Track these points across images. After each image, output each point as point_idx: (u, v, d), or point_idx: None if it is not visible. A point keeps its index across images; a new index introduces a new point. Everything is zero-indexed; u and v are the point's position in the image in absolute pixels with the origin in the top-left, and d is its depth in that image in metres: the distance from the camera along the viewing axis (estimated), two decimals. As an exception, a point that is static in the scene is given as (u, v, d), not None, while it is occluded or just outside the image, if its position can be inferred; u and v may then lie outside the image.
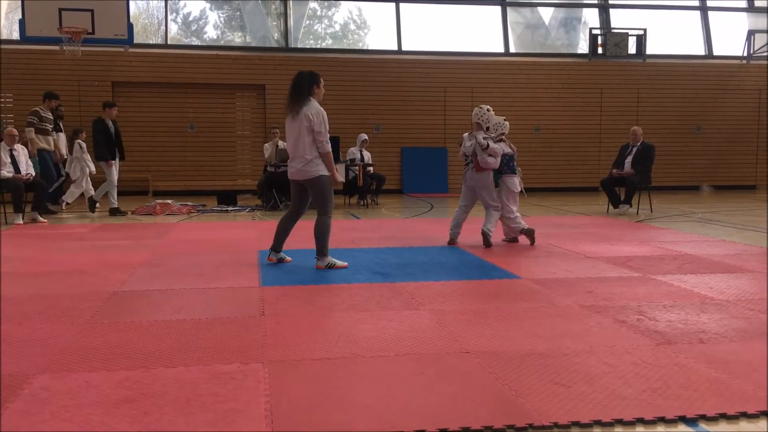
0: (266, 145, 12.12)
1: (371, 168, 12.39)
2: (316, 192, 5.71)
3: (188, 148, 14.67)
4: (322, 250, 5.76)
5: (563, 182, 15.74)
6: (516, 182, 7.28)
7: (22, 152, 9.39)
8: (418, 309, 4.34)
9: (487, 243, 6.95)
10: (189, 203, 11.33)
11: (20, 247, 6.96)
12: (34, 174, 9.47)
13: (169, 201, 11.07)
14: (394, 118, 15.09)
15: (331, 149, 5.72)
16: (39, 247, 7.02)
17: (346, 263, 5.82)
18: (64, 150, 11.19)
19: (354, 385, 2.97)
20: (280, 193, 11.32)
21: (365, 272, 5.58)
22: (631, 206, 10.59)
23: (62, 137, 11.32)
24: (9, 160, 9.10)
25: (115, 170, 10.20)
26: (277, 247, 6.01)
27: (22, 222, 8.96)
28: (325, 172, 5.66)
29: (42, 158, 10.44)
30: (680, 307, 4.39)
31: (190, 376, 3.06)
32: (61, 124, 11.49)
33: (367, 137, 12.61)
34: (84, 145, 10.77)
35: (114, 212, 10.23)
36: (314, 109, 5.60)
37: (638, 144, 10.63)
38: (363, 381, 3.03)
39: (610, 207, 10.74)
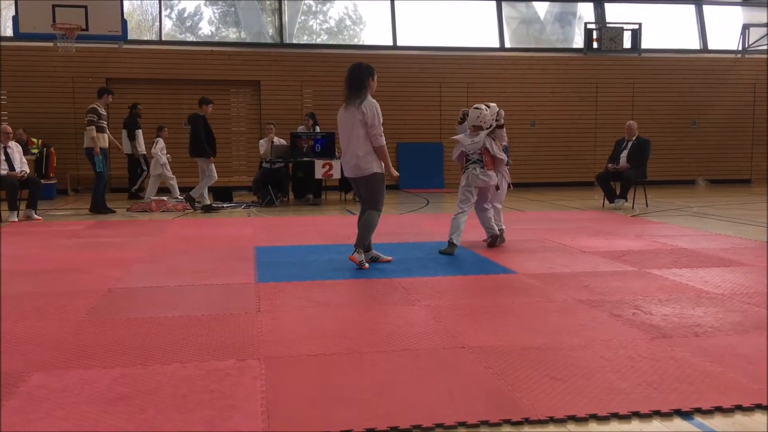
0: (261, 141, 12.10)
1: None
2: (369, 188, 5.64)
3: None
4: (362, 242, 5.62)
5: (559, 177, 15.75)
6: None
7: (16, 149, 9.36)
8: (414, 304, 4.34)
9: (502, 240, 6.80)
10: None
11: (15, 245, 6.93)
12: (28, 171, 9.45)
13: (165, 198, 11.05)
14: (389, 114, 14.98)
15: (385, 143, 5.55)
16: (34, 244, 7.00)
17: (367, 265, 5.59)
18: (143, 147, 12.25)
19: (350, 381, 2.97)
20: (275, 189, 11.30)
21: (361, 268, 5.56)
22: (626, 201, 10.60)
23: (140, 134, 12.30)
24: (3, 157, 9.07)
25: (214, 167, 10.39)
26: (367, 247, 5.72)
27: (17, 219, 8.93)
28: (379, 169, 5.57)
29: (105, 156, 10.19)
30: (676, 301, 4.40)
31: (186, 372, 3.05)
32: (139, 122, 12.37)
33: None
34: (162, 141, 11.81)
35: (208, 209, 10.35)
36: (369, 101, 5.49)
37: (633, 138, 10.64)
38: (359, 377, 3.03)
39: (606, 202, 10.75)
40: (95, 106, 10.10)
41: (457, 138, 6.79)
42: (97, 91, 10.59)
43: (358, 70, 5.56)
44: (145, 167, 12.51)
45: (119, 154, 12.76)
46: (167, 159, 12.01)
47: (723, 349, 3.37)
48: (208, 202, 10.47)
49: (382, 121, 5.53)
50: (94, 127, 9.90)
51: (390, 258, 5.83)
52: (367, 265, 5.59)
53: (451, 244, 6.35)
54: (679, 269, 5.45)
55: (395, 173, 5.80)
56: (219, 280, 5.14)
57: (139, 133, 12.44)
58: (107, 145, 10.29)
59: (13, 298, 4.52)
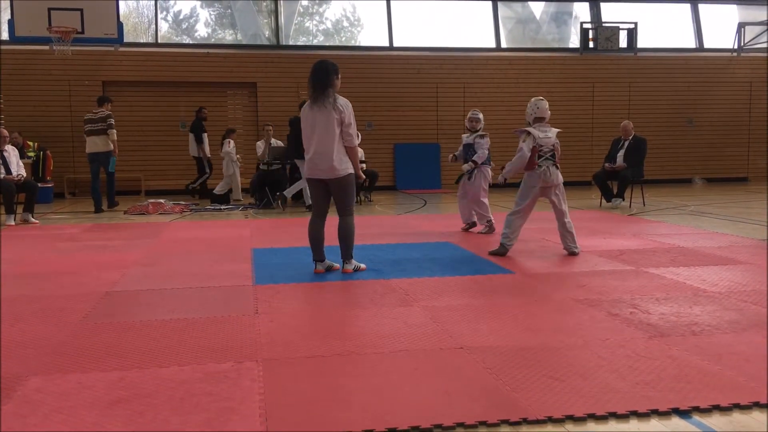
0: (258, 143, 12.10)
1: (364, 164, 12.37)
2: (343, 191, 5.33)
3: (180, 146, 14.61)
4: (349, 252, 5.43)
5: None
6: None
7: (12, 153, 9.34)
8: (411, 305, 4.34)
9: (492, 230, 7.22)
10: (182, 202, 11.29)
11: (12, 249, 6.92)
12: (24, 175, 9.43)
13: (162, 200, 11.04)
14: (386, 115, 15.08)
15: (357, 144, 5.36)
16: (31, 248, 6.99)
17: (364, 265, 5.57)
18: (208, 149, 12.74)
19: (348, 383, 2.96)
20: (272, 191, 11.29)
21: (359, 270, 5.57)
22: (623, 200, 10.62)
23: (206, 138, 12.72)
24: (0, 161, 9.05)
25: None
26: (319, 256, 5.48)
27: (14, 223, 8.91)
28: (352, 170, 5.30)
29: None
30: (673, 299, 4.40)
31: (184, 375, 3.05)
32: (204, 125, 12.78)
33: (359, 134, 12.57)
34: (233, 142, 12.38)
35: (310, 208, 10.42)
36: (343, 101, 5.21)
37: (630, 138, 10.65)
38: (357, 378, 3.03)
39: (603, 201, 10.76)
40: (110, 112, 10.80)
41: (529, 129, 6.13)
42: (105, 99, 11.08)
43: (325, 67, 5.22)
44: (208, 170, 13.00)
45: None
46: (237, 160, 12.56)
47: (720, 348, 3.37)
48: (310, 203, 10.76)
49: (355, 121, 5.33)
50: (115, 130, 10.74)
51: (338, 266, 5.52)
52: (363, 266, 5.56)
53: (503, 249, 6.15)
54: (677, 268, 5.46)
55: (362, 176, 5.60)
56: (216, 282, 5.14)
57: (205, 136, 12.82)
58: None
59: (11, 302, 4.51)
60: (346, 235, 5.40)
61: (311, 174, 5.37)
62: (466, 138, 7.94)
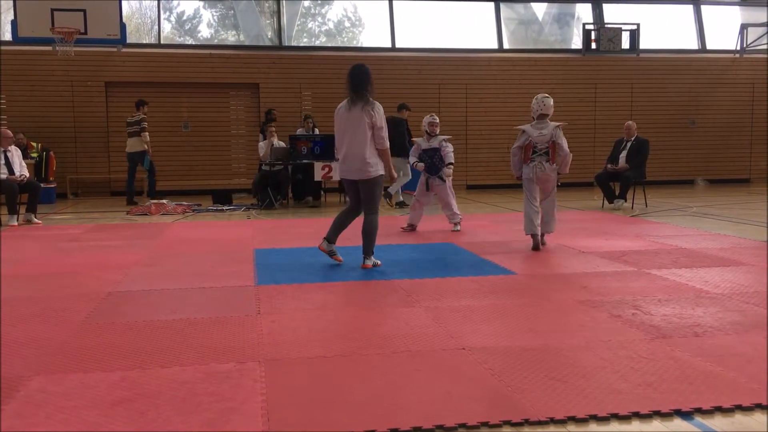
0: (261, 143, 12.09)
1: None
2: (371, 191, 5.58)
3: (183, 147, 14.63)
4: (370, 249, 5.64)
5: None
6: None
7: (16, 154, 9.34)
8: (413, 306, 4.34)
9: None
10: (184, 203, 11.30)
11: (15, 249, 6.93)
12: (27, 176, 9.44)
13: (164, 201, 11.04)
14: (388, 115, 15.05)
15: (388, 146, 5.57)
16: (34, 248, 7.00)
17: (379, 261, 5.72)
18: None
19: (350, 383, 2.97)
20: (275, 191, 11.31)
21: (361, 270, 5.58)
22: (626, 201, 10.60)
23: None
24: (3, 161, 9.06)
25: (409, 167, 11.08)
26: (331, 237, 5.74)
27: (17, 224, 8.92)
28: (383, 171, 5.56)
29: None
30: (675, 301, 4.40)
31: (186, 375, 3.05)
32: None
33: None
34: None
35: (401, 204, 11.09)
36: (375, 104, 5.49)
37: (632, 139, 10.64)
38: (359, 378, 3.03)
39: (605, 202, 10.76)
40: (144, 115, 12.05)
41: (523, 127, 6.67)
42: (140, 102, 12.24)
43: (363, 71, 5.54)
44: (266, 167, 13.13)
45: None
46: None
47: (723, 349, 3.37)
48: (401, 199, 11.22)
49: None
50: (147, 132, 11.95)
51: (341, 259, 5.77)
52: (379, 262, 5.69)
53: (534, 236, 6.56)
54: (679, 269, 5.45)
55: (395, 175, 5.82)
56: (219, 282, 5.14)
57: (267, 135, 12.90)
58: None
59: (13, 302, 4.52)
60: (369, 231, 5.62)
61: (343, 175, 5.67)
62: (424, 142, 8.16)
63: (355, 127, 5.46)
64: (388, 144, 5.52)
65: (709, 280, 5.01)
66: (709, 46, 16.74)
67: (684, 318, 3.97)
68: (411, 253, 6.44)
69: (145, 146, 11.91)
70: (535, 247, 6.52)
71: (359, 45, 16.39)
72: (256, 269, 5.65)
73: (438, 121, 8.26)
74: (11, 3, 12.61)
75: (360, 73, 5.52)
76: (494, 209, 10.76)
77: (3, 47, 13.79)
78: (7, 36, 13.85)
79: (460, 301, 4.48)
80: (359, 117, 5.43)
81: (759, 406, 2.68)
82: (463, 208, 10.95)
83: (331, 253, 5.76)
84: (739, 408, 2.67)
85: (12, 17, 12.59)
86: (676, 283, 4.95)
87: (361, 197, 5.67)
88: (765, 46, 16.17)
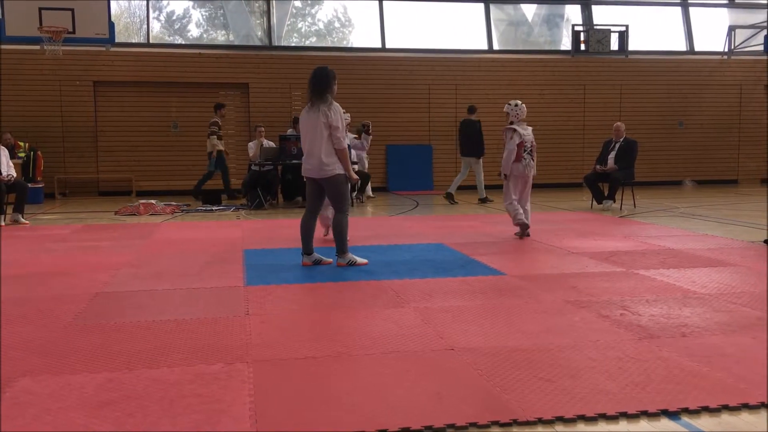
0: (250, 143, 12.06)
1: (356, 166, 12.37)
2: (333, 190, 5.70)
3: (171, 147, 14.57)
4: (342, 247, 5.75)
5: (547, 178, 15.75)
6: None
7: (3, 153, 9.28)
8: (403, 307, 4.34)
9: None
10: (173, 203, 11.26)
11: (2, 249, 6.88)
12: (15, 175, 9.37)
13: (153, 201, 11.00)
14: (378, 116, 15.05)
15: (346, 146, 5.67)
16: (21, 248, 6.95)
17: (366, 260, 5.82)
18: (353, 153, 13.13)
19: (339, 384, 2.96)
20: (264, 191, 11.28)
21: (350, 270, 5.58)
22: (614, 202, 10.65)
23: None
24: (-11, 161, 9.00)
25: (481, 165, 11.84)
26: (308, 249, 5.85)
27: (3, 224, 8.86)
28: (341, 171, 5.62)
29: (220, 158, 12.81)
30: (663, 301, 4.42)
31: (174, 377, 3.04)
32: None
33: (370, 137, 12.60)
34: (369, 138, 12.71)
35: (484, 200, 11.79)
36: (333, 105, 5.57)
37: (621, 140, 10.69)
38: (348, 379, 3.02)
39: (594, 203, 10.80)
40: (216, 119, 12.72)
41: (514, 128, 7.17)
42: (217, 106, 12.92)
43: (323, 74, 5.61)
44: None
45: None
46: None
47: (710, 349, 3.39)
48: (484, 196, 11.88)
49: (345, 124, 5.66)
50: (215, 135, 12.58)
51: (330, 260, 5.87)
52: (364, 261, 5.79)
53: (524, 225, 7.22)
54: (667, 270, 5.48)
55: (355, 177, 5.87)
56: (207, 283, 5.12)
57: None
58: (224, 148, 12.94)
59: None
60: (339, 230, 5.75)
61: (304, 172, 5.80)
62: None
63: (314, 127, 5.55)
64: (344, 144, 5.60)
65: (696, 281, 5.04)
66: (697, 48, 16.85)
67: (672, 318, 3.99)
68: (401, 253, 6.44)
69: (212, 149, 12.65)
70: (526, 233, 7.22)
71: (349, 45, 16.38)
72: (246, 270, 5.64)
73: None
74: (-1, 2, 12.52)
75: (321, 75, 5.60)
76: (485, 210, 10.78)
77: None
78: (-5, 35, 13.77)
79: (449, 301, 4.49)
80: (317, 118, 5.52)
81: (746, 406, 2.70)
82: (452, 208, 10.98)
83: (317, 262, 5.85)
84: (726, 408, 2.68)
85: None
86: (664, 283, 4.98)
87: (327, 197, 5.84)
88: (752, 48, 16.29)
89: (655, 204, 11.33)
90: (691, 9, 16.93)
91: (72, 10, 12.37)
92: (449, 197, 11.71)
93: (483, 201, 11.77)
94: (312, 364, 3.21)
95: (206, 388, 2.90)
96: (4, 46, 13.38)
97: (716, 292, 4.65)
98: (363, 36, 16.55)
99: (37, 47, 12.63)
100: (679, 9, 16.97)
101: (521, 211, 7.22)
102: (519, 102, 7.32)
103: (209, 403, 2.73)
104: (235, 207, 11.18)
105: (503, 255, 6.31)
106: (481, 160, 11.75)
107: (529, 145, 7.20)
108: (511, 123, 7.23)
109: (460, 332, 3.72)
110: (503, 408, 2.67)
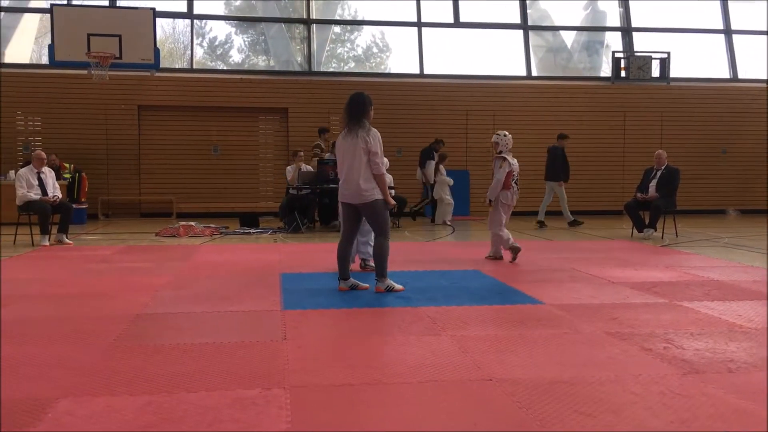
0: (288, 167, 12.18)
1: (393, 191, 12.39)
2: (374, 216, 5.68)
3: (212, 170, 14.80)
4: (381, 272, 5.71)
5: (587, 206, 15.59)
6: None
7: (49, 175, 9.53)
8: (439, 334, 4.31)
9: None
10: (212, 225, 11.40)
11: (45, 269, 7.03)
12: (60, 196, 9.61)
13: (192, 223, 11.16)
14: (415, 142, 15.10)
15: (385, 171, 5.68)
16: (64, 269, 7.09)
17: (402, 287, 5.78)
18: (430, 176, 13.26)
19: (376, 413, 2.94)
20: (302, 215, 11.36)
21: (387, 296, 5.56)
22: (655, 230, 10.46)
23: (430, 165, 13.27)
24: (36, 182, 9.24)
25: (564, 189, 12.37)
26: (344, 275, 5.83)
27: (48, 244, 9.07)
28: (380, 196, 5.61)
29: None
30: (708, 335, 4.31)
31: (212, 401, 3.05)
32: (435, 154, 13.39)
33: (388, 161, 12.63)
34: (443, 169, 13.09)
35: (573, 224, 12.28)
36: (371, 130, 5.59)
37: (662, 168, 10.54)
38: (385, 408, 3.00)
39: (635, 231, 10.62)
40: (319, 142, 12.73)
41: (507, 158, 7.57)
42: (320, 130, 12.97)
43: (360, 100, 5.65)
44: (428, 194, 13.49)
45: None
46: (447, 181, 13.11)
47: (757, 386, 3.28)
48: (572, 219, 12.39)
49: (383, 150, 5.64)
50: (317, 158, 12.30)
51: (367, 285, 5.84)
52: (402, 287, 5.76)
53: (517, 249, 7.48)
54: (711, 302, 5.35)
55: (392, 202, 5.85)
56: (245, 306, 5.16)
57: (429, 163, 13.33)
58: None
59: (43, 323, 4.57)
60: (378, 255, 5.72)
61: (341, 198, 5.81)
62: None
63: (352, 153, 5.57)
64: (383, 170, 5.60)
65: (742, 314, 4.91)
66: (740, 75, 16.58)
67: (717, 353, 3.88)
68: (437, 279, 6.40)
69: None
70: (516, 256, 7.49)
71: (387, 71, 16.51)
72: (283, 294, 5.66)
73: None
74: (49, 27, 12.93)
75: (358, 101, 5.64)
76: (522, 236, 10.68)
77: (40, 70, 14.14)
78: (45, 59, 14.21)
79: (486, 330, 4.44)
80: (356, 143, 5.54)
81: (796, 448, 2.60)
82: (487, 234, 10.89)
83: (353, 287, 5.82)
84: (776, 449, 2.59)
85: (50, 41, 12.90)
86: (709, 316, 4.86)
87: (368, 223, 5.86)
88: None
89: (697, 233, 11.10)
90: (734, 36, 16.70)
91: (119, 36, 12.71)
92: (540, 224, 12.10)
93: (572, 224, 12.20)
94: (349, 392, 3.20)
95: (244, 413, 2.91)
96: (53, 71, 13.80)
97: (762, 326, 4.52)
98: (401, 61, 16.70)
99: (85, 72, 13.00)
100: (722, 36, 16.76)
101: (511, 236, 7.62)
102: (507, 132, 7.72)
103: (247, 429, 2.73)
104: (272, 230, 11.27)
105: (541, 283, 6.23)
106: (563, 185, 12.25)
107: (516, 175, 7.64)
108: (500, 152, 7.59)
109: (497, 362, 3.67)
110: (543, 442, 2.62)
